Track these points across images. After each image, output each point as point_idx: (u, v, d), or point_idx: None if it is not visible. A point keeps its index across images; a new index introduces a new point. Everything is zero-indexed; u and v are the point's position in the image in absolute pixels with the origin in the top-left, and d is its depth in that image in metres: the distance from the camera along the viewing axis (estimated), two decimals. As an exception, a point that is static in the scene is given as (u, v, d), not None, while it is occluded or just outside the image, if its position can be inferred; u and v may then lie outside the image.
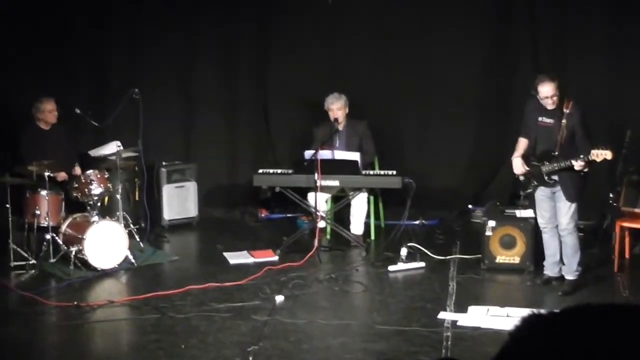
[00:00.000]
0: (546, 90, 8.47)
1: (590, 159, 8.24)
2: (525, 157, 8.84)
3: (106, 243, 9.73)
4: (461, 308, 8.35)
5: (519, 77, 11.73)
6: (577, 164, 8.33)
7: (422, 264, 9.87)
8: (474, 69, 11.97)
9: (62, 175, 10.44)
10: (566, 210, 8.68)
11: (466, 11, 11.87)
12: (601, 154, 8.15)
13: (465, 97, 12.02)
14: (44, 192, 9.88)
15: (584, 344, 2.01)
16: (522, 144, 8.96)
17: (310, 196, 10.45)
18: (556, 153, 8.54)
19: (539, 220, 9.06)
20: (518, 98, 11.68)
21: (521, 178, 8.92)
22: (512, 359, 2.09)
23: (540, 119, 8.66)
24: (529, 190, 8.93)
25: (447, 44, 11.94)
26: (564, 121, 8.48)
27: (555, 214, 8.84)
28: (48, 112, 10.59)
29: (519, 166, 8.87)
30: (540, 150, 8.72)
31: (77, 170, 10.60)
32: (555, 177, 8.63)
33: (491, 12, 11.90)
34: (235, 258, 10.26)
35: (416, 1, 12.07)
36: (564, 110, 8.49)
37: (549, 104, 8.52)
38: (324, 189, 10.37)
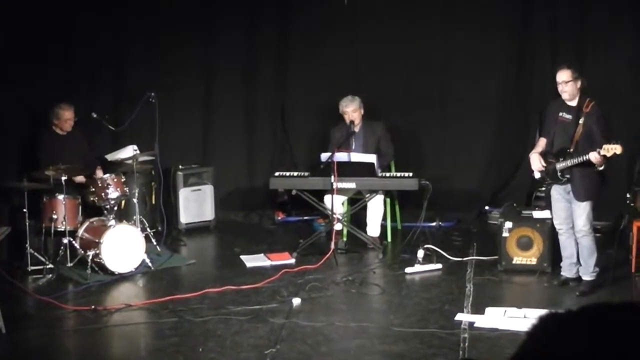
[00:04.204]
0: (558, 75, 8.63)
1: (601, 153, 8.21)
2: (544, 155, 8.85)
3: (123, 247, 9.74)
4: (478, 310, 8.34)
5: (538, 78, 11.70)
6: (594, 156, 8.27)
7: (439, 266, 9.86)
8: (492, 70, 11.94)
9: (79, 178, 10.47)
10: (581, 211, 8.67)
11: (485, 11, 11.84)
12: (611, 149, 8.13)
13: (482, 98, 11.99)
14: (61, 197, 9.91)
15: (602, 343, 2.00)
16: (542, 142, 8.99)
17: (327, 198, 10.45)
18: (571, 150, 8.55)
19: (555, 221, 9.04)
20: (536, 100, 11.70)
21: (537, 175, 8.92)
22: (530, 358, 2.08)
23: (560, 114, 8.73)
24: (543, 188, 8.94)
25: (465, 45, 11.93)
26: (581, 120, 8.51)
27: (570, 214, 8.83)
28: (64, 121, 10.60)
29: (535, 162, 8.87)
30: (557, 148, 8.74)
31: (99, 173, 10.61)
32: (568, 175, 8.63)
33: (510, 12, 11.86)
34: (252, 261, 10.27)
35: (434, 2, 12.06)
36: (584, 109, 8.53)
37: (563, 93, 8.60)
38: (341, 191, 10.37)
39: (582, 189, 8.62)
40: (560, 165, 8.62)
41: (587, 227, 8.72)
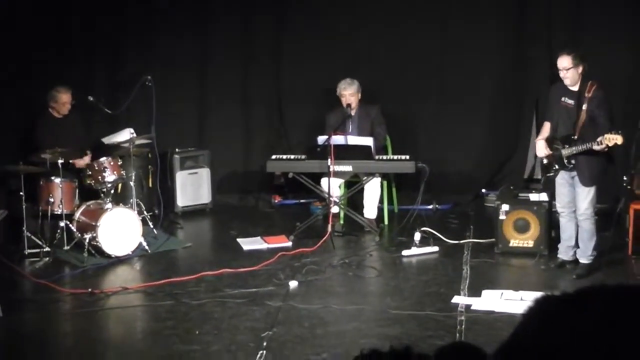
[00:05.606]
0: (559, 62, 8.57)
1: (603, 142, 8.21)
2: (550, 140, 8.83)
3: (120, 230, 9.74)
4: (475, 292, 8.35)
5: (533, 62, 11.69)
6: (596, 146, 8.28)
7: (436, 249, 9.86)
8: (487, 54, 11.91)
9: (79, 162, 10.49)
10: (585, 195, 8.66)
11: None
12: (613, 139, 8.13)
13: (479, 81, 11.97)
14: (57, 180, 9.90)
15: (597, 324, 2.00)
16: (546, 127, 8.97)
17: (324, 181, 10.44)
18: (575, 137, 8.53)
19: (557, 205, 9.04)
20: (532, 83, 11.70)
21: (544, 161, 8.92)
22: (525, 339, 2.08)
23: (563, 99, 8.69)
24: (551, 174, 8.92)
25: (462, 29, 11.89)
26: (584, 105, 8.48)
27: (573, 198, 8.81)
28: (62, 104, 10.60)
29: (541, 148, 8.86)
30: (561, 133, 8.71)
31: (87, 159, 10.60)
32: (574, 162, 8.61)
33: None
34: (249, 244, 10.27)
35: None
36: (586, 94, 8.50)
37: (565, 79, 8.56)
38: (337, 174, 10.36)
39: (588, 174, 8.60)
40: (566, 152, 8.60)
41: (590, 211, 8.72)
